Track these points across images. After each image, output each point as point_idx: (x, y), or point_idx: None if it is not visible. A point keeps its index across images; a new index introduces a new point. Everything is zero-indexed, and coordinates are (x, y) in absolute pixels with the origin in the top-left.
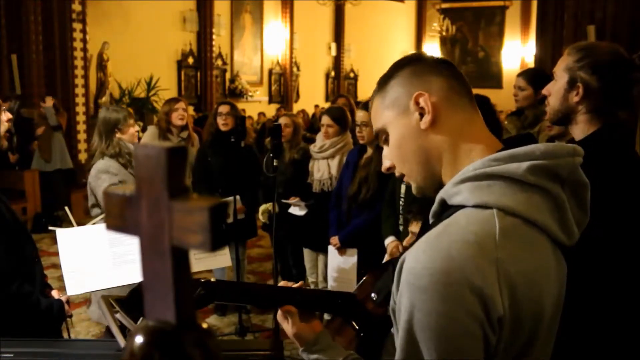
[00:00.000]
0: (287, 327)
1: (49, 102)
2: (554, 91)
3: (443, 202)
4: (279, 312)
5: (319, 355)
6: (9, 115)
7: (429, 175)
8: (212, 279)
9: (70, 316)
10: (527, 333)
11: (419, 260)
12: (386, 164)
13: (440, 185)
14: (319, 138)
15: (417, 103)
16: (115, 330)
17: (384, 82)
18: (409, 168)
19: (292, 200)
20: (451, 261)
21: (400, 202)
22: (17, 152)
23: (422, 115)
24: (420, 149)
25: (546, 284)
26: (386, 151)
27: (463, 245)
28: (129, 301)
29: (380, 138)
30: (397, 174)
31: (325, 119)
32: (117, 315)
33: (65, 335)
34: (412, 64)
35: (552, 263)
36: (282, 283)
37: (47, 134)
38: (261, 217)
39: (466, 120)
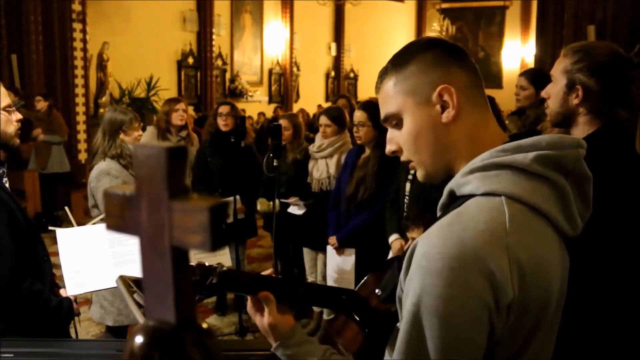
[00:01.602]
0: (260, 318)
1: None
2: (553, 94)
3: (452, 194)
4: (251, 300)
5: (295, 349)
6: (19, 116)
7: (440, 166)
8: (224, 268)
9: (78, 314)
10: (533, 320)
11: (433, 245)
12: (391, 147)
13: (449, 175)
14: (318, 138)
15: (440, 95)
16: (134, 309)
17: (401, 64)
18: (421, 157)
19: (291, 200)
20: (464, 247)
21: (405, 200)
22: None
23: (443, 108)
24: (437, 141)
25: (553, 272)
26: (391, 134)
27: (475, 232)
28: None
29: (389, 121)
30: (403, 158)
31: (323, 119)
32: (135, 296)
33: (72, 333)
34: (433, 50)
35: (557, 252)
36: (268, 271)
37: (46, 144)
38: (259, 207)
39: (482, 115)
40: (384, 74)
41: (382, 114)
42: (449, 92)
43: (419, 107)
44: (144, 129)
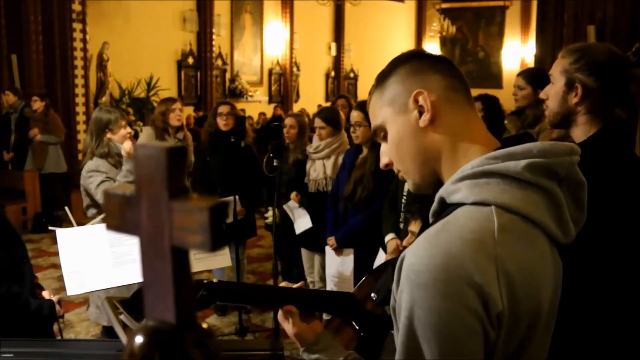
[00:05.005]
0: (288, 327)
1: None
2: (552, 94)
3: (442, 201)
4: (280, 312)
5: (319, 355)
6: None
7: (427, 174)
8: (214, 280)
9: (62, 316)
10: (525, 330)
11: (419, 257)
12: (384, 160)
13: (438, 183)
14: (315, 139)
15: (416, 101)
16: (119, 331)
17: (382, 79)
18: (407, 166)
19: (290, 203)
20: (451, 258)
21: (402, 200)
22: (13, 151)
23: (421, 113)
24: (418, 148)
25: (544, 281)
26: (384, 147)
27: (462, 242)
28: (132, 302)
29: (378, 135)
30: (395, 170)
31: (317, 122)
32: (121, 317)
33: (58, 336)
34: (411, 61)
35: (549, 260)
36: (283, 283)
37: (43, 144)
38: (269, 222)
39: (464, 119)
40: (371, 91)
41: (372, 129)
42: (423, 95)
43: (399, 115)
44: None
